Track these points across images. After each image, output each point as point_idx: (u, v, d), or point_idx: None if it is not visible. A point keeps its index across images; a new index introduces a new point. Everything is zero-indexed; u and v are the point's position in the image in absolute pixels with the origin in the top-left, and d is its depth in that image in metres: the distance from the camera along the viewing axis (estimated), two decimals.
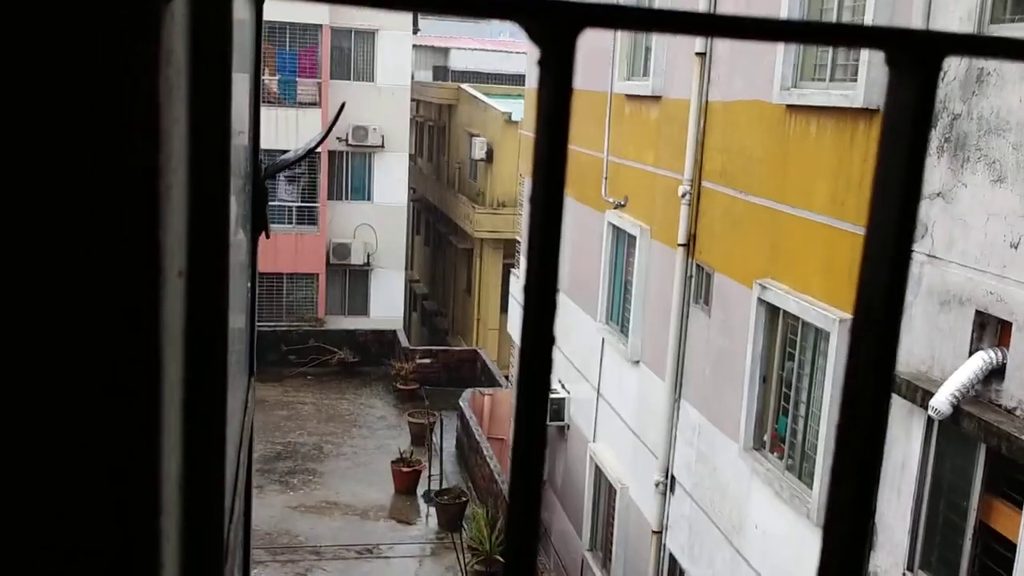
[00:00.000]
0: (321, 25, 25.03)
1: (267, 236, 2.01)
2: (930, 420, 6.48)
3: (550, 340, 0.40)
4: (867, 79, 7.32)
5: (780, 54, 8.57)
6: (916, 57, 0.44)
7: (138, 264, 0.55)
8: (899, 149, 0.43)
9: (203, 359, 0.91)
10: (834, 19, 8.08)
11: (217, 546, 1.12)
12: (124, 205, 0.54)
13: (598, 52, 13.23)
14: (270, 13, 27.78)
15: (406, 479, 17.21)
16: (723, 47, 9.92)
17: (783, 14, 8.52)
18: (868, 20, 7.33)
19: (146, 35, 0.52)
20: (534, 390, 0.40)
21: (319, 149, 24.58)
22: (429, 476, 17.16)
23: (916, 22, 6.79)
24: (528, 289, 0.39)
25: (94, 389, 0.57)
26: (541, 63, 0.38)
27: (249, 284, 1.97)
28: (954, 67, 6.46)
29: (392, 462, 17.49)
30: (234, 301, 1.63)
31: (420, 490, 17.27)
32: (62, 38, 0.50)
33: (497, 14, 0.38)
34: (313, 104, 25.07)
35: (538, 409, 0.40)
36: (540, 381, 0.40)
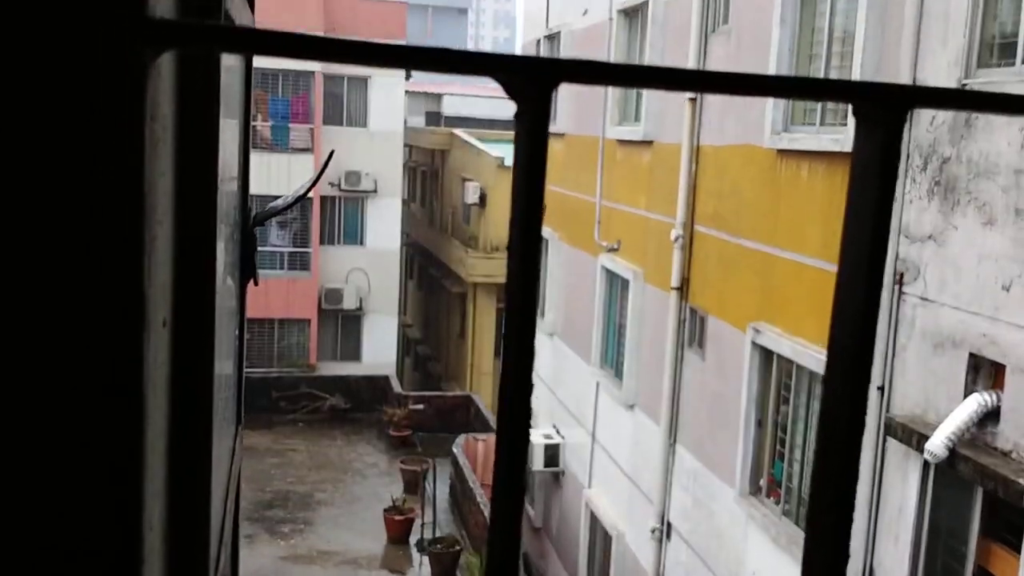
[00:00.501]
0: (314, 72, 25.27)
1: (255, 283, 2.00)
2: (926, 464, 6.44)
3: (529, 384, 0.41)
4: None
5: (770, 99, 8.66)
6: (881, 110, 0.45)
7: (121, 314, 0.55)
8: (866, 200, 0.45)
9: (189, 409, 0.91)
10: (823, 64, 8.19)
11: None
12: (107, 257, 0.54)
13: (590, 97, 13.36)
14: (262, 60, 28.14)
15: (399, 528, 17.01)
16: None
17: (772, 59, 8.62)
18: (856, 65, 7.42)
19: (131, 92, 0.52)
20: (514, 438, 0.41)
21: (311, 194, 24.67)
22: (422, 524, 16.96)
23: (904, 67, 6.87)
24: (508, 339, 0.40)
25: (76, 436, 0.56)
26: (517, 116, 0.40)
27: (237, 332, 1.95)
28: (942, 111, 6.52)
29: (384, 510, 17.29)
30: (221, 349, 1.61)
31: (413, 539, 17.06)
32: (48, 93, 0.51)
33: (474, 71, 0.40)
34: (306, 150, 25.20)
35: (518, 457, 0.42)
36: (520, 427, 0.42)
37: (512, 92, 0.39)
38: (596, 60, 0.41)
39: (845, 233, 0.45)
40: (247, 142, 2.02)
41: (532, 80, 0.39)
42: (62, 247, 0.53)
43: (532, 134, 0.39)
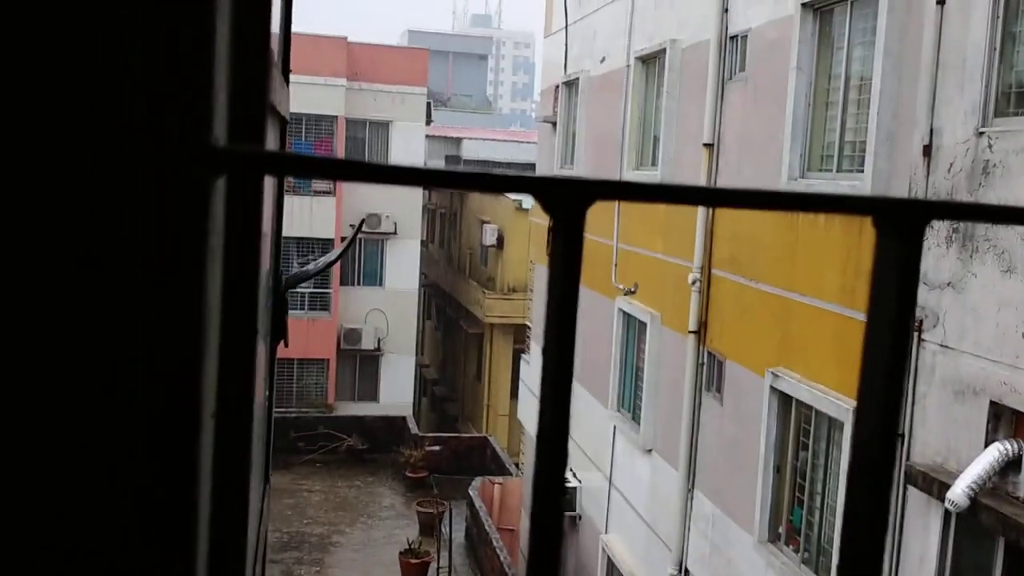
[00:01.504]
0: (336, 116, 25.58)
1: (286, 345, 2.04)
2: (947, 513, 6.36)
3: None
4: (874, 169, 7.41)
5: (787, 144, 8.70)
6: (901, 223, 0.46)
7: (178, 411, 0.58)
8: (886, 312, 0.46)
9: (227, 502, 0.94)
10: (839, 111, 8.23)
11: None
12: (171, 361, 0.57)
13: (608, 141, 13.46)
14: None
15: (415, 571, 16.87)
16: (731, 138, 10.08)
17: (789, 106, 8.68)
18: (873, 112, 7.45)
19: (195, 215, 0.56)
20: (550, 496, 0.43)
21: (332, 236, 24.86)
22: (438, 568, 16.82)
23: (921, 115, 6.90)
24: (539, 468, 0.41)
25: (132, 528, 0.58)
26: (552, 230, 0.42)
27: (267, 393, 1.98)
28: (960, 158, 6.54)
29: (400, 553, 17.17)
30: (257, 423, 1.63)
31: None
32: (121, 220, 0.55)
33: (515, 189, 0.42)
34: (328, 193, 25.45)
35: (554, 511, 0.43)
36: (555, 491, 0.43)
37: (549, 209, 0.42)
38: (630, 181, 0.44)
39: (866, 342, 0.47)
40: (280, 201, 2.07)
41: (567, 200, 0.42)
42: (130, 355, 0.57)
43: (567, 249, 0.41)
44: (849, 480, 0.49)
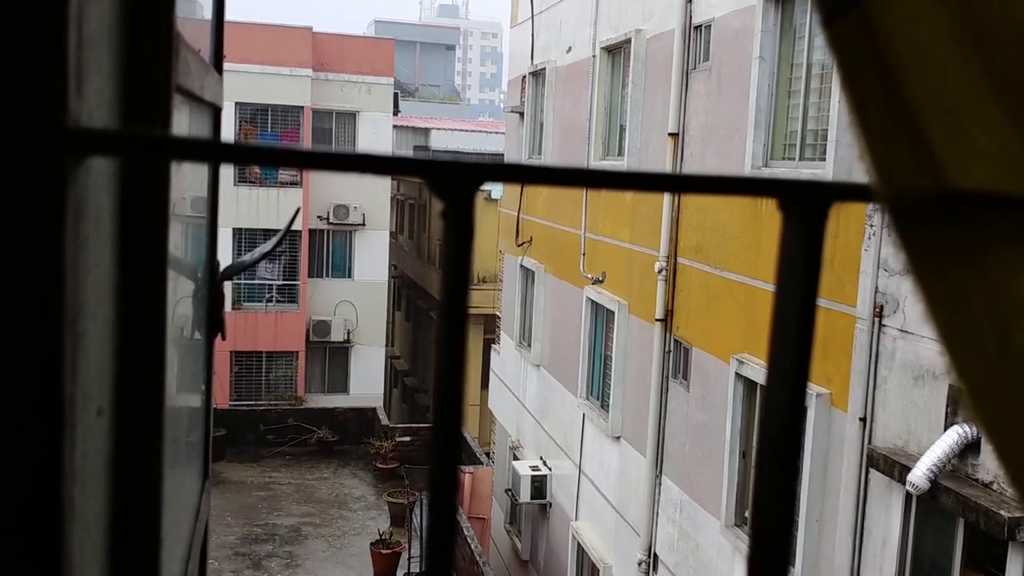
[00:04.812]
0: (303, 107, 25.39)
1: (223, 338, 2.03)
2: (908, 495, 6.48)
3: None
4: (835, 158, 7.50)
5: (751, 132, 8.78)
6: (805, 204, 0.46)
7: (34, 413, 0.54)
8: (791, 291, 0.46)
9: (133, 502, 0.87)
10: (802, 99, 8.31)
11: None
12: (21, 361, 0.53)
13: (575, 131, 13.50)
14: (252, 96, 27.55)
15: (385, 561, 16.89)
16: (695, 127, 10.15)
17: (752, 95, 8.76)
18: (834, 100, 7.54)
19: (49, 202, 0.51)
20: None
21: (299, 227, 24.71)
22: (409, 558, 16.85)
23: None
24: (434, 446, 0.42)
25: None
26: (443, 215, 0.42)
27: (204, 387, 1.96)
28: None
29: (371, 544, 17.17)
30: (188, 406, 1.62)
31: (400, 572, 16.94)
32: None
33: (405, 173, 0.42)
34: (294, 184, 25.27)
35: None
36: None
37: (438, 192, 0.42)
38: (517, 163, 0.44)
39: (773, 326, 0.47)
40: (216, 190, 2.05)
41: (455, 182, 0.42)
42: None
43: (457, 232, 0.41)
44: (758, 453, 0.49)
